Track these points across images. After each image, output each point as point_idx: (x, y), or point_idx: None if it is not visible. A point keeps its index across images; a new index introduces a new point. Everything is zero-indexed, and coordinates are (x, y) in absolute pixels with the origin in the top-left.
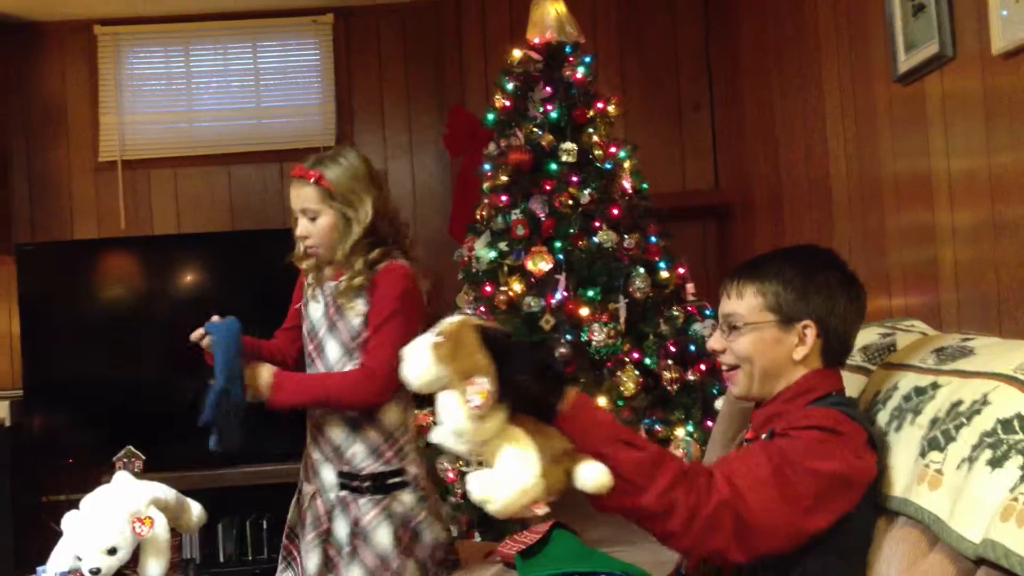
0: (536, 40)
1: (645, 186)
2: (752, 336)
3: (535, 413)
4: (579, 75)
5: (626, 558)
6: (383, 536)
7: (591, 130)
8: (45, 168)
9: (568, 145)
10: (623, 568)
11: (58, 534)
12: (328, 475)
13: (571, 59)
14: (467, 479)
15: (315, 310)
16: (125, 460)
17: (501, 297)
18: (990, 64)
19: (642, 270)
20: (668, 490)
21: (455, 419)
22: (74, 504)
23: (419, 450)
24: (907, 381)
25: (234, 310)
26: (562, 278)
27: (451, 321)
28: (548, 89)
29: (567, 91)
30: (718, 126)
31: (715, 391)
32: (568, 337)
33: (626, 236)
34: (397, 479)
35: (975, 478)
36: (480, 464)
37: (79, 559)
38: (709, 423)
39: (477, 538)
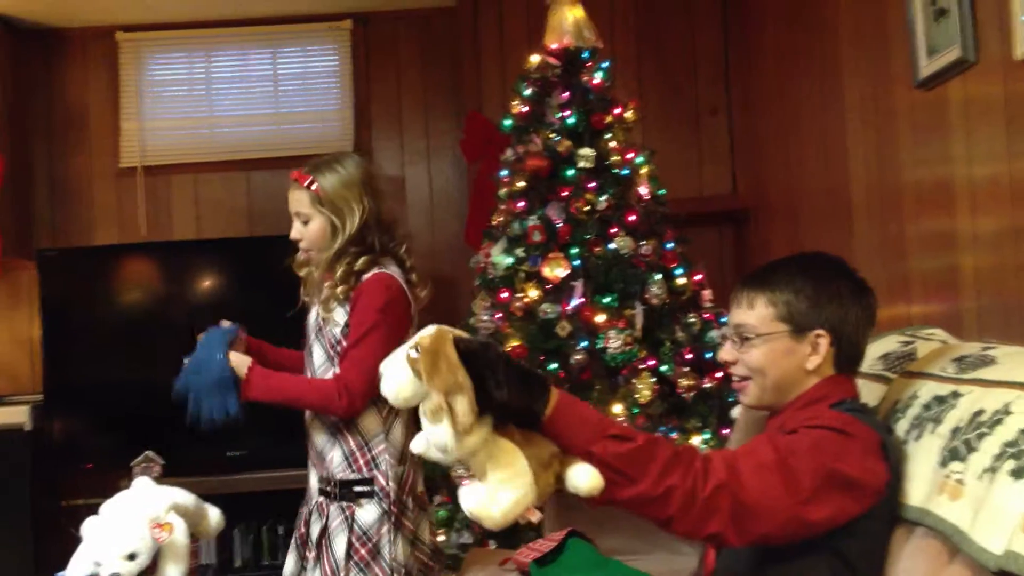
0: (554, 45)
1: (662, 192)
2: (764, 347)
3: (519, 422)
4: (597, 80)
5: (641, 567)
6: (339, 545)
7: (608, 136)
8: (67, 174)
9: (585, 151)
10: None
11: (77, 539)
12: (312, 479)
13: (589, 64)
14: (459, 494)
15: (311, 314)
16: (144, 465)
17: (517, 303)
18: (1012, 69)
19: (659, 276)
20: (663, 476)
21: (438, 435)
22: (93, 509)
23: (417, 465)
24: (927, 390)
25: (252, 315)
26: (579, 284)
27: (427, 333)
28: (566, 95)
29: (585, 96)
30: (736, 131)
31: (731, 399)
32: (584, 344)
33: (643, 242)
34: (362, 488)
35: (997, 488)
36: (469, 473)
37: (99, 564)
38: (725, 431)
39: (492, 546)
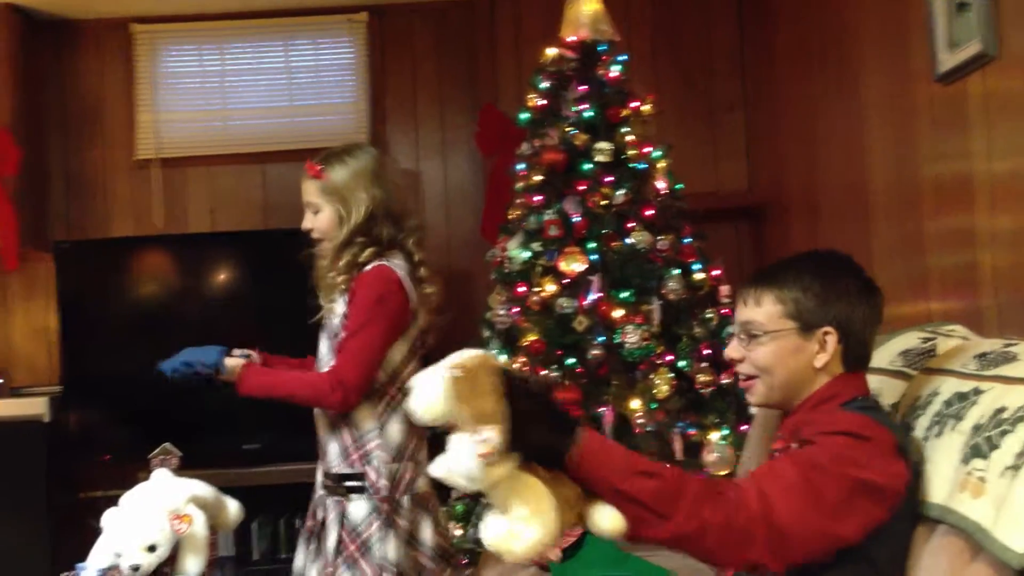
0: (571, 38)
1: (680, 186)
2: (772, 345)
3: (545, 463)
4: (613, 74)
5: (661, 562)
6: (330, 539)
7: (625, 129)
8: (82, 166)
9: (602, 145)
10: (658, 573)
11: (94, 530)
12: (318, 472)
13: (605, 58)
14: (481, 527)
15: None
16: (161, 457)
17: (534, 298)
18: None
19: (676, 272)
20: (695, 511)
21: (464, 462)
22: (111, 500)
23: (417, 464)
24: (948, 386)
25: (267, 308)
26: (595, 279)
27: (470, 355)
28: (582, 88)
29: (601, 90)
30: (752, 127)
31: None
32: (601, 339)
33: (660, 237)
34: (353, 483)
35: (1020, 486)
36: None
37: (119, 556)
38: (743, 427)
39: None
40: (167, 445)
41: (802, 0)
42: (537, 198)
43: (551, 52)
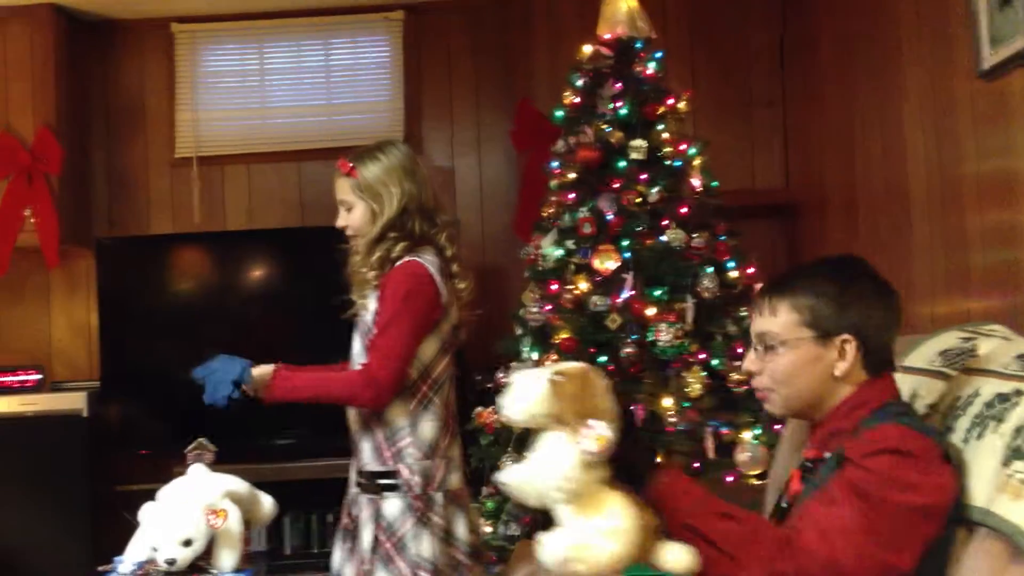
0: (607, 36)
1: (715, 184)
2: (790, 355)
3: (634, 476)
4: (650, 71)
5: None
6: (365, 537)
7: (661, 127)
8: (124, 164)
9: (638, 142)
10: None
11: (131, 523)
12: (352, 470)
13: (642, 55)
14: (546, 537)
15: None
16: (196, 452)
17: (567, 295)
18: None
19: (710, 269)
20: (768, 560)
21: (560, 463)
22: (147, 494)
23: (449, 461)
24: (989, 387)
25: (303, 305)
26: (629, 277)
27: (571, 364)
28: (618, 85)
29: (637, 87)
30: (790, 123)
31: None
32: (634, 337)
33: (695, 235)
34: (387, 480)
35: None
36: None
37: (155, 550)
38: (777, 426)
39: None
40: (202, 440)
41: None
42: (571, 195)
43: (587, 49)
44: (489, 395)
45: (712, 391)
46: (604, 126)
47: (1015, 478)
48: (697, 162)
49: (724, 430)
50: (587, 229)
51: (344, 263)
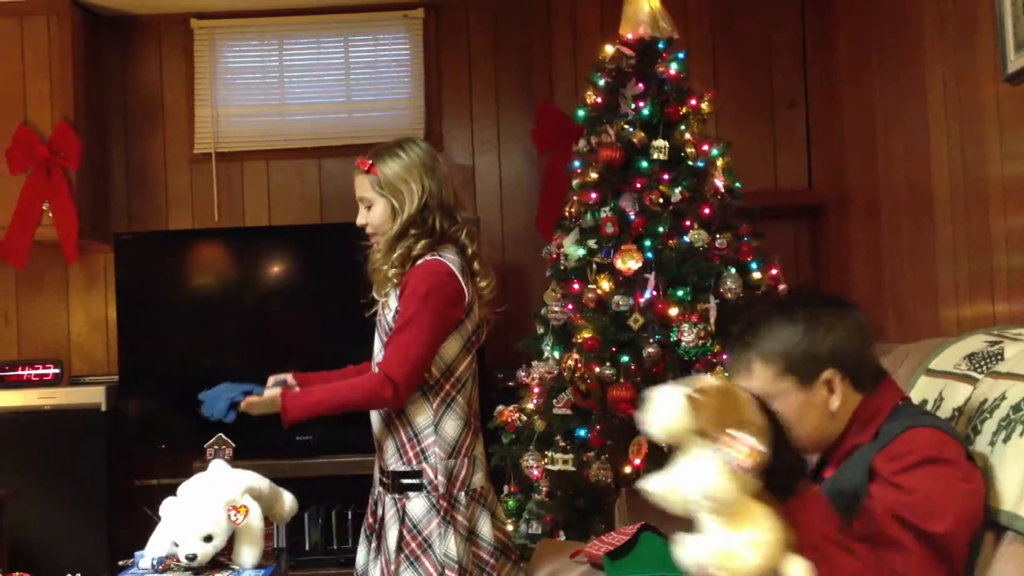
0: (629, 36)
1: (738, 185)
2: (782, 407)
3: (781, 487)
4: (672, 71)
5: None
6: (391, 537)
7: (683, 127)
8: (143, 159)
9: (660, 142)
10: None
11: (150, 517)
12: (375, 469)
13: (664, 55)
14: (689, 538)
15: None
16: (216, 447)
17: (589, 295)
18: None
19: (733, 270)
20: None
21: (707, 477)
22: (167, 489)
23: (473, 459)
24: (1016, 391)
25: (322, 303)
26: (651, 277)
27: (711, 380)
28: (640, 85)
29: (660, 87)
30: (813, 123)
31: None
32: (657, 337)
33: (717, 235)
34: (411, 480)
35: None
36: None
37: (176, 545)
38: None
39: (562, 537)
40: (221, 435)
41: None
42: (593, 195)
43: (609, 49)
44: (510, 393)
45: None
46: (626, 126)
47: None
48: (720, 163)
49: None
50: (609, 229)
51: (364, 260)
